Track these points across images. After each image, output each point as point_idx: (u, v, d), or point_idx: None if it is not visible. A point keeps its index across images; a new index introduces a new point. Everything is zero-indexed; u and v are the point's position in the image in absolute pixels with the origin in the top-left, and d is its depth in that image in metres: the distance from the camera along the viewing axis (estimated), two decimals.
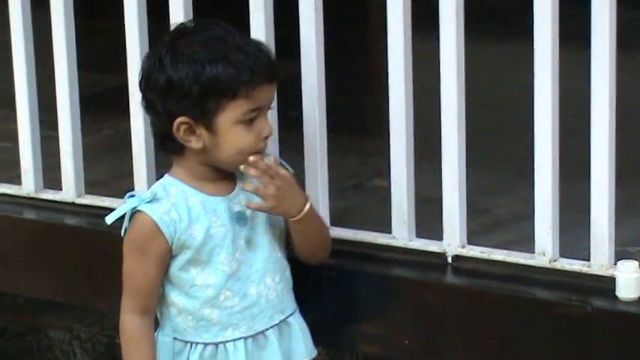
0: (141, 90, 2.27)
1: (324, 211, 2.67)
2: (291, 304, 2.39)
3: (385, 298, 2.56)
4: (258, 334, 2.31)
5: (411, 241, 2.62)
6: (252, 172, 2.25)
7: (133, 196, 2.25)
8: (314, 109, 2.62)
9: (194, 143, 2.21)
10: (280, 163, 2.35)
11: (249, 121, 2.21)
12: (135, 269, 2.26)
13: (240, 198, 2.32)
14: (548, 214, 2.45)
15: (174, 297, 2.29)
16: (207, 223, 2.25)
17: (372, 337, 2.60)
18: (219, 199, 2.29)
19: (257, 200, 2.29)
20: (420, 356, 2.54)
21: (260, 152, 2.26)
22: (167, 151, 2.30)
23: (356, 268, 2.62)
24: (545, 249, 2.47)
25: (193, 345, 2.29)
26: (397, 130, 2.56)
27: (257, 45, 2.28)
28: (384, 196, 2.70)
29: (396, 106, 2.55)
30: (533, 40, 2.38)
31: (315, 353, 2.41)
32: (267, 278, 2.32)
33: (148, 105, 2.26)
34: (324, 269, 2.58)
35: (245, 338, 2.30)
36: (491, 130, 3.40)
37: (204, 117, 2.19)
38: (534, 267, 2.47)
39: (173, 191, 2.27)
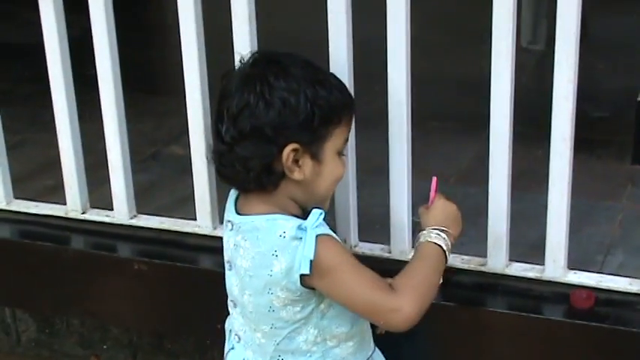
0: (234, 123, 1.80)
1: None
2: None
3: None
4: None
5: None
6: None
7: (301, 229, 1.78)
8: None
9: (297, 174, 1.80)
10: None
11: (341, 153, 1.86)
12: (358, 268, 1.80)
13: None
14: (347, 201, 2.24)
15: (335, 329, 1.88)
16: None
17: None
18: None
19: None
20: None
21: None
22: (259, 186, 1.83)
23: None
24: (345, 236, 2.27)
25: None
26: None
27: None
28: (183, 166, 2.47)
29: None
30: None
31: None
32: None
33: (247, 137, 1.79)
34: None
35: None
36: None
37: (314, 144, 1.80)
38: None
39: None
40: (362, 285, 1.79)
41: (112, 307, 2.51)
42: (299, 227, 1.78)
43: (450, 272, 2.17)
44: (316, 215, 1.79)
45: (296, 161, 1.80)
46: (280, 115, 1.77)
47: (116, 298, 2.49)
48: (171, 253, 2.42)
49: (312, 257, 1.76)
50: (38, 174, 2.86)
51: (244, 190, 1.88)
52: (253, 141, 1.80)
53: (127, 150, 2.47)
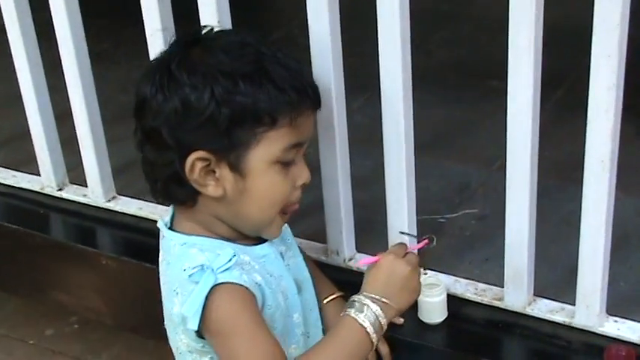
0: (137, 119, 1.43)
1: None
2: None
3: None
4: None
5: None
6: None
7: (202, 270, 1.37)
8: None
9: (212, 189, 1.40)
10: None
11: (286, 163, 1.42)
12: (254, 336, 1.37)
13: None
14: (338, 202, 1.78)
15: None
16: (274, 282, 1.45)
17: None
18: (264, 246, 1.49)
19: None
20: None
21: (294, 204, 1.47)
22: (172, 201, 1.48)
23: None
24: (338, 248, 1.81)
25: None
26: None
27: (296, 59, 1.46)
28: None
29: None
30: None
31: None
32: (318, 319, 1.59)
33: (148, 138, 1.41)
34: None
35: None
36: None
37: (231, 152, 1.38)
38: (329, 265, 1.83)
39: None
40: (251, 339, 1.36)
41: (81, 299, 2.15)
42: (201, 267, 1.36)
43: (458, 303, 1.70)
44: (227, 257, 1.37)
45: (212, 172, 1.38)
46: (176, 115, 1.35)
47: (86, 290, 2.13)
48: (144, 247, 2.02)
49: (198, 310, 1.34)
50: None
51: (159, 201, 1.50)
52: (153, 144, 1.40)
53: (99, 122, 2.06)
